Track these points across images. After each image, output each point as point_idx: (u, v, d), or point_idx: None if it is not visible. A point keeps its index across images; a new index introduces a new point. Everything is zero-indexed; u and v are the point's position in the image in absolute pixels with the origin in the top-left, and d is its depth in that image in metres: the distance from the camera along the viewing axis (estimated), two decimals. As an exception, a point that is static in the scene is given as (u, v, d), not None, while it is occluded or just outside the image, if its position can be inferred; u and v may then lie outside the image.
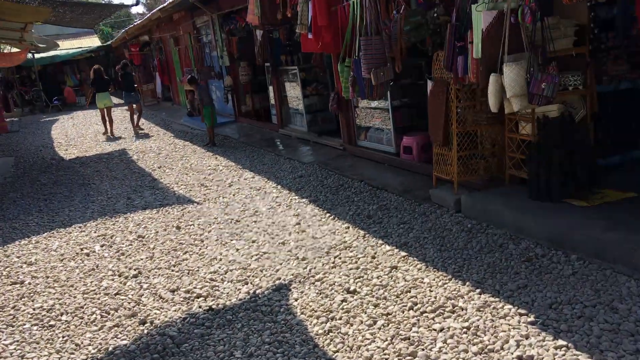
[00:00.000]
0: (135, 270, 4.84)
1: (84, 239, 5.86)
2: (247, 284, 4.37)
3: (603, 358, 2.86)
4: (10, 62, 19.80)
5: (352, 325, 3.55)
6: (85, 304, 4.24)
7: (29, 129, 17.06)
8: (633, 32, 4.55)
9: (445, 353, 3.11)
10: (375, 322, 3.54)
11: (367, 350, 3.25)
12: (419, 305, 3.68)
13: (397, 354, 3.16)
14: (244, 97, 13.17)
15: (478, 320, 3.39)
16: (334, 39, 6.77)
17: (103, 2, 27.22)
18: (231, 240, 5.38)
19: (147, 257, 5.13)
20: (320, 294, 4.05)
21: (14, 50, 19.34)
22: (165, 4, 14.45)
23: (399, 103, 7.28)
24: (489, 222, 4.94)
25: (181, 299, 4.19)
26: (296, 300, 4.00)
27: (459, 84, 5.05)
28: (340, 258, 4.65)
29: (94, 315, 4.04)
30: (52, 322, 4.02)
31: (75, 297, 4.39)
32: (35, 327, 3.98)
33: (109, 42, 27.28)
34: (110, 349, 3.60)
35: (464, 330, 3.31)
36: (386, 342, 3.29)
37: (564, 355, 2.93)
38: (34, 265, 5.19)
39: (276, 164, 8.50)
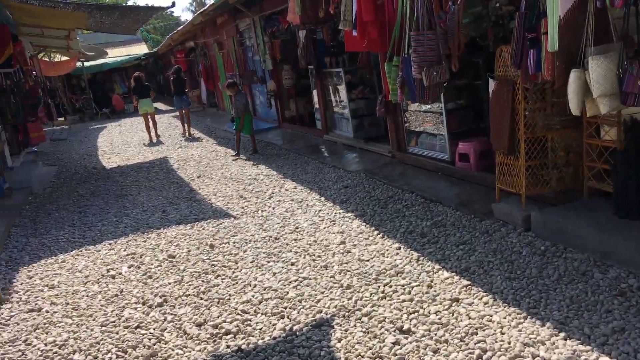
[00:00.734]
0: (160, 297, 4.34)
1: (112, 257, 5.44)
2: (283, 317, 3.80)
3: None
4: (60, 70, 20.14)
5: (406, 378, 2.93)
6: (102, 339, 3.75)
7: (76, 136, 17.14)
8: None
9: None
10: (435, 376, 2.90)
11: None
12: (489, 354, 3.02)
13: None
14: (288, 101, 12.67)
15: (567, 378, 2.71)
16: (380, 36, 6.11)
17: (138, 5, 27.41)
18: (268, 262, 4.83)
19: (175, 282, 4.64)
20: (368, 333, 3.44)
21: (64, 58, 19.69)
22: (206, 7, 14.17)
23: (453, 106, 6.60)
24: (566, 244, 4.22)
25: (207, 336, 3.65)
26: (339, 341, 3.39)
27: (529, 82, 4.32)
28: (390, 286, 4.02)
29: (109, 355, 3.54)
30: (63, 362, 3.56)
31: (92, 329, 3.91)
32: (44, 367, 3.54)
33: (155, 49, 27.48)
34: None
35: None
36: (450, 405, 2.66)
37: None
38: (56, 289, 4.78)
39: (320, 172, 7.93)
